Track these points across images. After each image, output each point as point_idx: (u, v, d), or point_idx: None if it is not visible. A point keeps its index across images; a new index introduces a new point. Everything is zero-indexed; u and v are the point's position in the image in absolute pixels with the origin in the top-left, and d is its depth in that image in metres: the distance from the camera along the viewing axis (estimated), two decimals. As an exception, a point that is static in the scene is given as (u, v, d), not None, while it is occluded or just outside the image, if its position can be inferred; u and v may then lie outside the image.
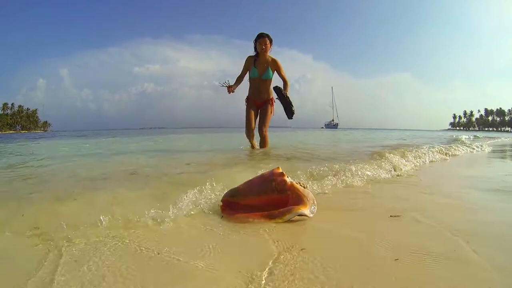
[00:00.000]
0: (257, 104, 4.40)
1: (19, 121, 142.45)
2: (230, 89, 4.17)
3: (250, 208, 1.23)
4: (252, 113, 4.36)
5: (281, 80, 4.32)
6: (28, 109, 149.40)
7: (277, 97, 4.17)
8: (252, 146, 4.49)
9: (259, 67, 4.18)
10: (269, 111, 4.35)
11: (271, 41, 4.12)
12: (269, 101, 4.35)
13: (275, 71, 4.25)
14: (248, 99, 4.43)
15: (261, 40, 4.06)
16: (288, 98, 4.10)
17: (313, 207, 1.20)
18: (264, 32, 4.10)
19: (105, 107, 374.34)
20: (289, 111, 4.13)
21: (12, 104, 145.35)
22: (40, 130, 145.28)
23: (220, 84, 4.12)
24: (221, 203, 1.33)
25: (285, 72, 4.30)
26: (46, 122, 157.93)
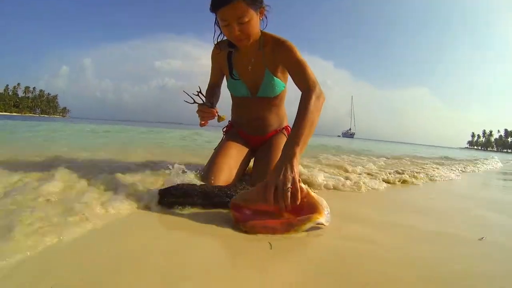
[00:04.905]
0: (251, 140, 1.80)
1: (39, 105, 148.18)
2: (205, 112, 1.47)
3: (262, 214, 1.05)
4: (233, 149, 1.67)
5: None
6: (49, 94, 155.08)
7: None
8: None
9: (245, 73, 1.60)
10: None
11: (253, 0, 1.28)
12: (282, 131, 1.81)
13: (284, 68, 1.55)
14: (230, 128, 1.89)
15: (224, 9, 1.25)
16: None
17: (328, 215, 1.08)
18: None
19: (124, 98, 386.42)
20: None
21: (34, 88, 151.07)
22: (59, 115, 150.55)
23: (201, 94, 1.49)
24: (233, 213, 1.06)
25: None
26: (65, 108, 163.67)
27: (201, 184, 1.26)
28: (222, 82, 1.79)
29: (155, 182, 1.47)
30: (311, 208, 1.06)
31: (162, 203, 1.16)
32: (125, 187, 1.28)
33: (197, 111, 1.49)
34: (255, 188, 1.11)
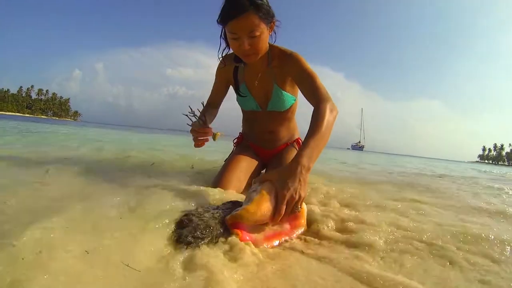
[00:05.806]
0: (262, 153, 1.77)
1: (52, 108, 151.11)
2: (199, 132, 1.29)
3: (260, 227, 0.96)
4: (243, 162, 1.59)
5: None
6: (61, 97, 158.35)
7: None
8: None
9: (253, 88, 1.56)
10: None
11: (266, 14, 1.20)
12: (293, 145, 1.77)
13: (293, 81, 1.46)
14: (241, 140, 1.86)
15: (236, 21, 1.16)
16: None
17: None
18: None
19: (135, 105, 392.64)
20: None
21: (47, 90, 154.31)
22: (70, 118, 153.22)
23: (191, 114, 1.28)
24: (238, 233, 0.88)
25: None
26: (76, 111, 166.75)
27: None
28: (221, 102, 1.67)
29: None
30: (300, 215, 1.02)
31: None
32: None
33: (191, 131, 1.31)
34: (258, 203, 0.93)
